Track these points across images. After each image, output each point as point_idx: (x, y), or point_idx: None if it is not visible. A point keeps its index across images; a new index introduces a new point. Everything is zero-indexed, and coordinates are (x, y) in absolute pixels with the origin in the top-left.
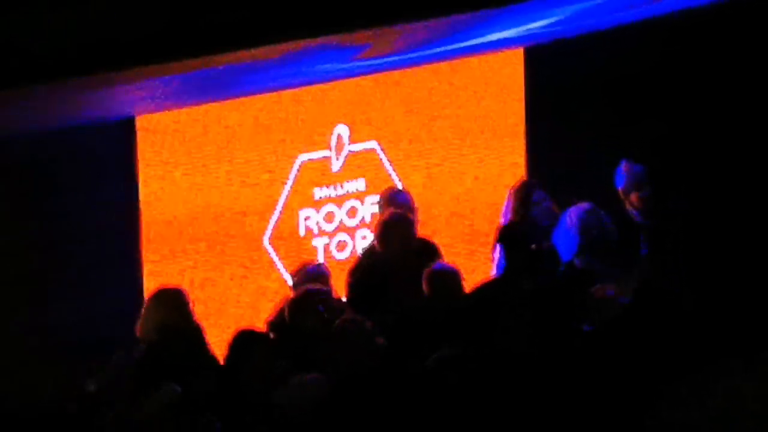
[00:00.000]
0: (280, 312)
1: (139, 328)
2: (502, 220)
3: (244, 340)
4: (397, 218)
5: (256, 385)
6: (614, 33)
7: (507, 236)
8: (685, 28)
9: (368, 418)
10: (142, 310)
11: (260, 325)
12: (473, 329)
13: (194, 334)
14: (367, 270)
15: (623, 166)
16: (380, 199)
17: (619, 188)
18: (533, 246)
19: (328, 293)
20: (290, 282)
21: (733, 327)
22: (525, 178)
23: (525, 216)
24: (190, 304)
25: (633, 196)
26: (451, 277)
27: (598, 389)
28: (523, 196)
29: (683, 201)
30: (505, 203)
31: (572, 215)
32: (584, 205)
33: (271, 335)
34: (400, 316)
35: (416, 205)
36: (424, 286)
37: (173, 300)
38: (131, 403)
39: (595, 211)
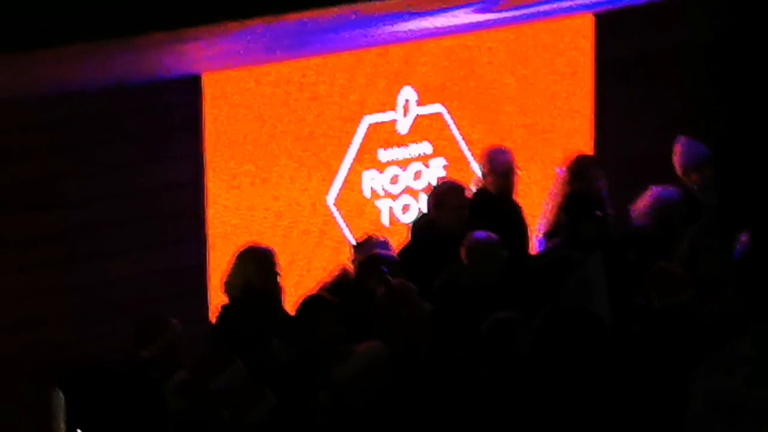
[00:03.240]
0: (334, 280)
1: (223, 283)
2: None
3: (313, 307)
4: (449, 186)
5: (325, 354)
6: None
7: (574, 204)
8: None
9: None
10: (230, 266)
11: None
12: (528, 296)
13: (277, 297)
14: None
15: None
16: (483, 156)
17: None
18: (597, 212)
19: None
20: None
21: None
22: (579, 154)
23: (583, 187)
24: (278, 266)
25: (694, 176)
26: (489, 248)
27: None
28: (578, 170)
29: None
30: (552, 184)
31: (660, 198)
32: (674, 193)
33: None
34: (445, 282)
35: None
36: (462, 256)
37: (262, 259)
38: (198, 373)
39: (680, 204)
